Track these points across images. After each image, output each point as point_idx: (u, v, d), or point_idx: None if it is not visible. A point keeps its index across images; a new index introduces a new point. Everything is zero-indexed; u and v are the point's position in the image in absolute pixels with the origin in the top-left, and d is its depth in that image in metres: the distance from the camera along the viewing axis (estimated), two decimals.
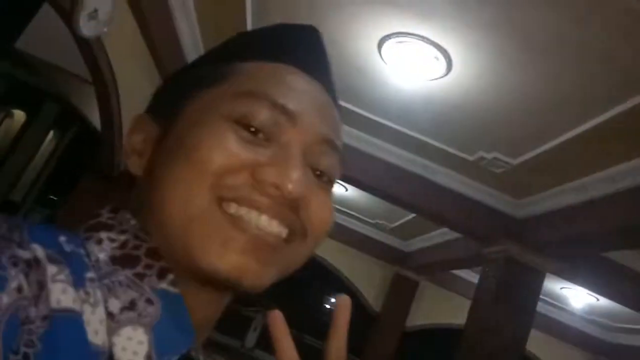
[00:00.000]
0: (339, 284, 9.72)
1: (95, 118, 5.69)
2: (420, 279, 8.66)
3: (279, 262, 0.50)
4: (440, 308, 8.84)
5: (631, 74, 2.82)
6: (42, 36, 5.60)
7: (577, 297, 7.22)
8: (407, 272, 8.65)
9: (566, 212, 4.26)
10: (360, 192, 6.69)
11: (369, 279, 9.02)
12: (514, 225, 5.00)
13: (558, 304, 8.20)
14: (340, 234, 8.73)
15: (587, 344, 8.96)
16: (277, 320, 0.47)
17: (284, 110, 0.50)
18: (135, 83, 4.09)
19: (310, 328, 11.87)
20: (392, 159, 5.10)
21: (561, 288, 7.25)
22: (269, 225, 0.48)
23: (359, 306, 9.39)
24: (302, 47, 0.56)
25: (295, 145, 0.50)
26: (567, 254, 4.77)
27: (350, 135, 5.02)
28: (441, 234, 6.98)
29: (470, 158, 4.59)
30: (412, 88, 3.81)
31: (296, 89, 0.52)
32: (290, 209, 0.49)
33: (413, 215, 6.76)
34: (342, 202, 7.88)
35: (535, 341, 7.26)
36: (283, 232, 0.49)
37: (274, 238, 0.48)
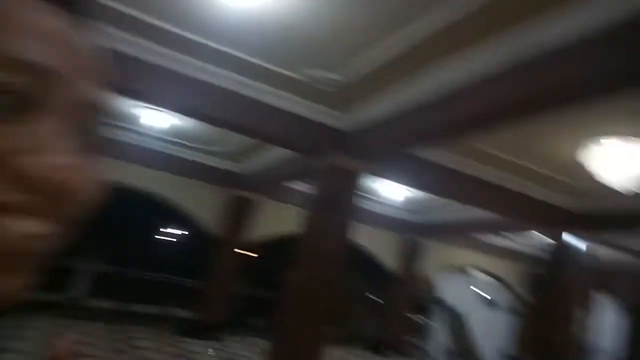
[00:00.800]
0: (175, 215, 9.47)
1: None
2: (256, 197, 8.93)
3: (42, 257, 0.41)
4: (279, 220, 9.36)
5: None
6: None
7: (394, 192, 8.36)
8: (243, 193, 8.82)
9: (386, 121, 4.74)
10: (187, 119, 6.35)
11: (205, 204, 8.95)
12: (340, 137, 5.38)
13: (379, 199, 9.40)
14: (171, 164, 8.32)
15: (402, 227, 10.72)
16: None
17: (30, 68, 0.36)
18: None
19: (149, 263, 11.52)
20: (219, 82, 4.88)
21: (381, 185, 8.28)
22: (29, 227, 0.38)
23: (198, 232, 9.36)
24: None
25: (52, 116, 0.38)
26: (387, 157, 5.40)
27: (172, 59, 4.61)
28: (274, 152, 7.16)
29: (298, 76, 4.66)
30: (237, 6, 3.58)
31: (42, 34, 0.38)
32: (52, 199, 0.39)
33: (244, 137, 6.73)
34: (169, 131, 7.39)
35: (361, 232, 8.29)
36: (47, 228, 0.40)
37: (36, 241, 0.39)
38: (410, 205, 9.77)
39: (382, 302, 11.49)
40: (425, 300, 12.30)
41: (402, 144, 4.85)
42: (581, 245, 7.41)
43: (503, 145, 5.59)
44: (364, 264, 11.52)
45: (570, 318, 7.36)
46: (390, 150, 5.09)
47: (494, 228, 8.98)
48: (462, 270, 12.78)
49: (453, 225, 9.73)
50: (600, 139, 4.78)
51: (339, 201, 5.35)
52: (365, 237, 10.12)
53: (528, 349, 7.74)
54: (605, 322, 11.98)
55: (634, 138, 4.62)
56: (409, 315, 11.22)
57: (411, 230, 10.73)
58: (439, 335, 12.36)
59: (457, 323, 12.85)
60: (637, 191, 5.07)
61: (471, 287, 13.33)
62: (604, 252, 9.40)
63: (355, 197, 5.53)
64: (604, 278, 10.91)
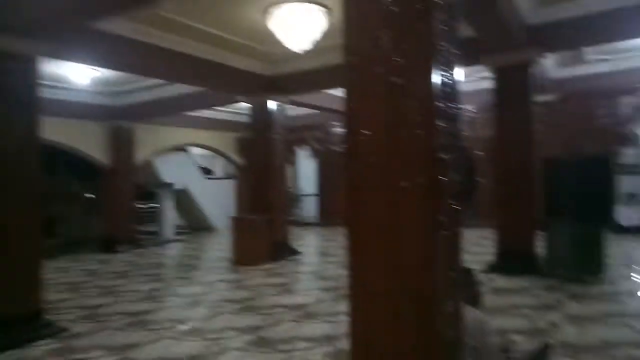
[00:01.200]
0: None
1: None
2: None
3: None
4: None
5: None
6: None
7: (79, 74, 7.20)
8: None
9: None
10: None
11: None
12: None
13: (62, 85, 8.03)
14: None
15: (103, 114, 9.61)
16: None
17: None
18: None
19: None
20: None
21: (61, 69, 6.99)
22: None
23: None
24: None
25: None
26: (57, 32, 4.41)
27: None
28: None
29: None
30: None
31: None
32: None
33: None
34: None
35: (52, 127, 7.14)
36: None
37: None
38: (105, 87, 8.75)
39: (101, 198, 10.67)
40: (148, 186, 11.98)
41: (69, 15, 4.00)
42: (278, 107, 8.20)
43: (194, 14, 5.31)
44: (69, 162, 10.22)
45: (278, 171, 8.37)
46: (57, 23, 4.16)
47: (200, 102, 9.02)
48: (179, 148, 12.79)
49: (160, 104, 9.28)
50: (281, 5, 5.02)
51: (9, 94, 4.26)
52: (63, 132, 8.82)
53: (248, 205, 8.59)
54: (304, 169, 14.28)
55: (307, 3, 5.00)
56: (135, 204, 10.81)
57: (114, 115, 9.75)
58: (169, 215, 12.47)
59: (183, 200, 13.16)
60: (309, 49, 5.63)
61: (191, 162, 13.61)
62: (296, 110, 10.78)
63: (34, 86, 4.48)
64: (298, 132, 12.70)
